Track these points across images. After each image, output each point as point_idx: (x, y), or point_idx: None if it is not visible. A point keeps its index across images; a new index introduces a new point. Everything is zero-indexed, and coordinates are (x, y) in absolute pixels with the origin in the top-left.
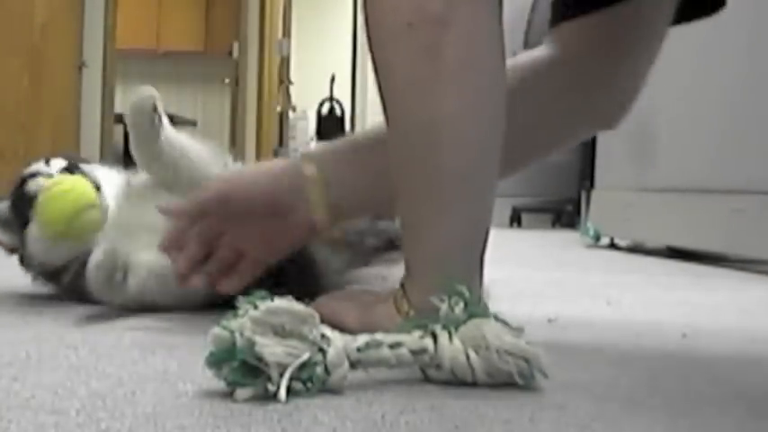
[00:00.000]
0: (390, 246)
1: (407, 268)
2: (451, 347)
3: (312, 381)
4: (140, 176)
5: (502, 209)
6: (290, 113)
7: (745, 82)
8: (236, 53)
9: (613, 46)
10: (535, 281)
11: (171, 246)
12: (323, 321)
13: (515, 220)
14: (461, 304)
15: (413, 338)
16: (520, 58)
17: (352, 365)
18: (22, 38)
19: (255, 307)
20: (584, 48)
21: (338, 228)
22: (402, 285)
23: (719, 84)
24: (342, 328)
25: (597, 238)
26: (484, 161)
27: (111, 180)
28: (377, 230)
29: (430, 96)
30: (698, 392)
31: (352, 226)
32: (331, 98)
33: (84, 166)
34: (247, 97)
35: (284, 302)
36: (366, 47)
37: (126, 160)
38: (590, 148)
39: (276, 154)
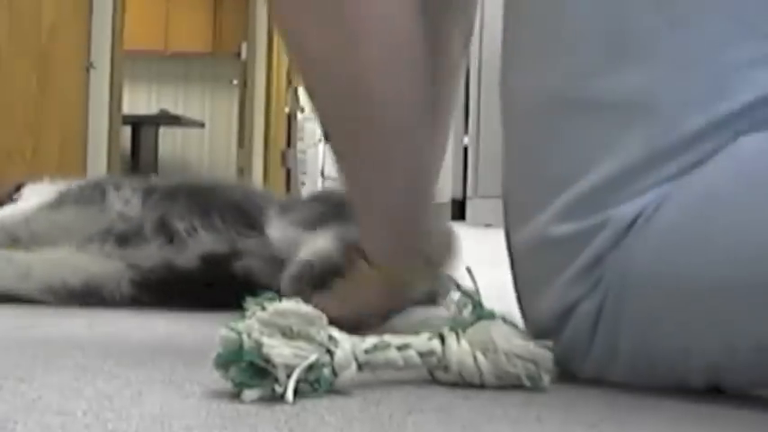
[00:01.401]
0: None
1: (361, 233)
2: (459, 349)
3: (319, 382)
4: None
5: None
6: (299, 115)
7: None
8: (244, 54)
9: None
10: None
11: None
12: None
13: None
14: (469, 306)
15: (421, 340)
16: None
17: (360, 367)
18: (30, 39)
19: (263, 308)
20: None
21: None
22: (359, 252)
23: None
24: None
25: None
26: (415, 114)
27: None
28: None
29: (349, 57)
30: (706, 393)
31: None
32: None
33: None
34: (255, 98)
35: (292, 304)
36: None
37: (133, 161)
38: None
39: (284, 155)
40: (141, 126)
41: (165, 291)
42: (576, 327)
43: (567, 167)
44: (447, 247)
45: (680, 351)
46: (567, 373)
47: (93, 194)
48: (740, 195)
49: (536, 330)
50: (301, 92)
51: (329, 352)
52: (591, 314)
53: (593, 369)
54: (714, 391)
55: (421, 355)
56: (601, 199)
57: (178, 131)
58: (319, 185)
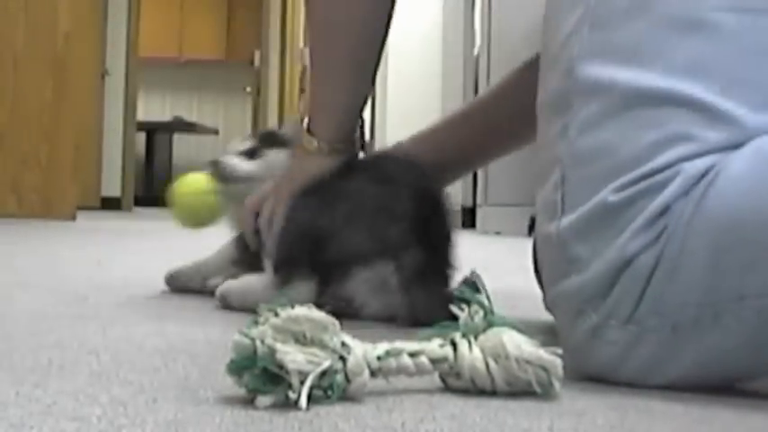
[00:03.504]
0: None
1: (311, 118)
2: (471, 356)
3: (332, 388)
4: None
5: (520, 218)
6: None
7: None
8: (257, 62)
9: None
10: None
11: None
12: None
13: (534, 228)
14: (481, 313)
15: (433, 347)
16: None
17: (373, 373)
18: (46, 46)
19: (276, 314)
20: None
21: None
22: (307, 132)
23: None
24: None
25: None
26: (358, 52)
27: None
28: None
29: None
30: (716, 400)
31: None
32: None
33: None
34: (268, 106)
35: (305, 310)
36: (386, 56)
37: (147, 167)
38: None
39: None
40: (156, 133)
41: None
42: (627, 283)
43: (639, 150)
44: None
45: (735, 295)
46: (576, 381)
47: None
48: None
49: (575, 302)
50: None
51: (342, 358)
52: (648, 265)
53: (630, 334)
54: (725, 398)
55: (433, 361)
56: (669, 166)
57: (192, 138)
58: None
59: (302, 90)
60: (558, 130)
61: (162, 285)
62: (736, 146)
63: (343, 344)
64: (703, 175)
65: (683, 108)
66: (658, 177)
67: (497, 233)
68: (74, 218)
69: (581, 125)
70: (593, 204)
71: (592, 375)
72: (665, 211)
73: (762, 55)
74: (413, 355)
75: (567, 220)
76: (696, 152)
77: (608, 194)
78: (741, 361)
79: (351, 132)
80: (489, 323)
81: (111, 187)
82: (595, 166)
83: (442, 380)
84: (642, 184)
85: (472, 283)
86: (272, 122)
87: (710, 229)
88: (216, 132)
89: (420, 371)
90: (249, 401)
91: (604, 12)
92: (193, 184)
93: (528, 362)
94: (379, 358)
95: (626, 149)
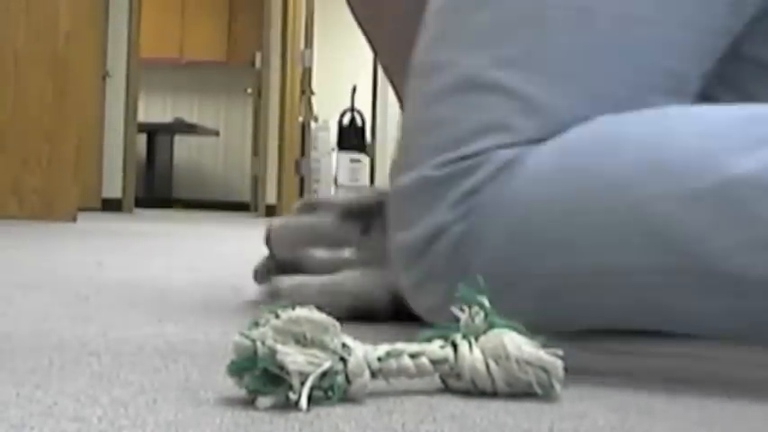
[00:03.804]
0: None
1: None
2: (471, 357)
3: (333, 389)
4: None
5: None
6: (312, 124)
7: None
8: (258, 63)
9: None
10: None
11: None
12: None
13: None
14: (481, 314)
15: (433, 348)
16: None
17: (373, 374)
18: (47, 46)
19: (277, 316)
20: None
21: None
22: None
23: None
24: None
25: None
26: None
27: None
28: None
29: None
30: (717, 400)
31: None
32: (352, 109)
33: None
34: (270, 107)
35: (305, 311)
36: None
37: (148, 168)
38: None
39: (297, 164)
40: (157, 134)
41: None
42: (440, 248)
43: (462, 132)
44: None
45: (524, 275)
46: (579, 383)
47: None
48: (593, 146)
49: (402, 256)
50: (315, 100)
51: (342, 359)
52: (456, 236)
53: (444, 289)
54: (726, 401)
55: (434, 362)
56: (483, 152)
57: (193, 139)
58: (332, 193)
59: (303, 92)
60: (407, 101)
61: (162, 286)
62: (551, 137)
63: (344, 345)
64: (508, 163)
65: (505, 97)
66: (473, 161)
67: None
68: (74, 219)
69: (421, 99)
70: (419, 174)
71: (422, 317)
72: (473, 192)
73: (589, 51)
74: (413, 356)
75: (401, 181)
76: (510, 142)
77: (430, 168)
78: (531, 326)
79: None
80: (490, 324)
81: (112, 188)
82: (426, 140)
83: (443, 381)
84: (459, 165)
85: (472, 285)
86: (272, 124)
87: (507, 217)
88: (217, 134)
89: (421, 372)
90: (249, 402)
91: None
92: None
93: (529, 363)
94: (379, 359)
95: (451, 130)
